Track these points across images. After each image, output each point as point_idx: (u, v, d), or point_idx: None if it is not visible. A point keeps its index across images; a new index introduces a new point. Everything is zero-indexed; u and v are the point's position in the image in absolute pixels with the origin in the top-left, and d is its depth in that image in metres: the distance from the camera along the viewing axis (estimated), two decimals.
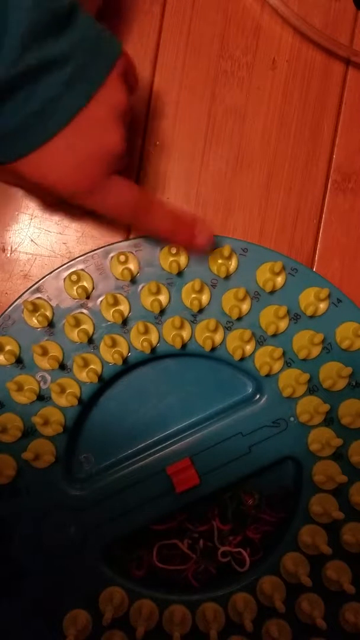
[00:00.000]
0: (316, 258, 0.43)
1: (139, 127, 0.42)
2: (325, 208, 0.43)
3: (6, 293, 0.42)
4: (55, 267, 0.40)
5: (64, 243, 0.42)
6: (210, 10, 0.42)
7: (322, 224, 0.43)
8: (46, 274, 0.39)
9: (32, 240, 0.42)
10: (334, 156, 0.43)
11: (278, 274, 0.39)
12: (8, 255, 0.42)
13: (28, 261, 0.42)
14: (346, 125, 0.43)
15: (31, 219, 0.42)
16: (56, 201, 0.41)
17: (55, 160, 0.31)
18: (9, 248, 0.42)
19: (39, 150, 0.30)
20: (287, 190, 0.43)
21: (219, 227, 0.43)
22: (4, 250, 0.42)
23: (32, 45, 0.27)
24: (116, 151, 0.32)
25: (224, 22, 0.42)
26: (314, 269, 0.43)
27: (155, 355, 0.40)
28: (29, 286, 0.40)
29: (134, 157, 0.42)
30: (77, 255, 0.41)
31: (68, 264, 0.39)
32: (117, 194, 0.34)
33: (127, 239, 0.42)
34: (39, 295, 0.39)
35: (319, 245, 0.43)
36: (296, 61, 0.43)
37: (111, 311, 0.39)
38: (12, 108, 0.29)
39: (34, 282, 0.40)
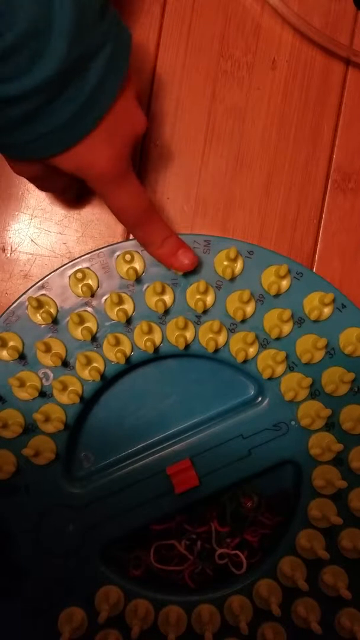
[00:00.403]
0: (316, 258, 0.43)
1: None
2: (325, 208, 0.43)
3: (6, 293, 0.42)
4: (56, 266, 0.40)
5: (64, 243, 0.42)
6: (210, 10, 0.42)
7: (322, 224, 0.43)
8: (51, 271, 0.39)
9: (32, 240, 0.42)
10: (334, 156, 0.43)
11: (283, 277, 0.39)
12: (8, 255, 0.42)
13: (28, 261, 0.42)
14: (346, 125, 0.43)
15: (31, 219, 0.42)
16: (62, 193, 0.41)
17: (96, 147, 0.31)
18: (9, 248, 0.42)
19: (83, 141, 0.31)
20: (287, 190, 0.43)
21: (219, 227, 0.43)
22: (4, 250, 0.42)
23: (77, 40, 0.27)
24: (143, 130, 0.33)
25: (224, 22, 0.42)
26: (314, 269, 0.43)
27: (158, 355, 0.40)
28: (30, 285, 0.40)
29: (134, 157, 0.42)
30: (77, 255, 0.41)
31: (74, 261, 0.39)
32: (134, 193, 0.34)
33: (127, 239, 0.42)
34: (43, 292, 0.39)
35: (319, 245, 0.43)
36: (296, 61, 0.43)
37: (115, 310, 0.39)
38: (63, 103, 0.29)
39: (36, 281, 0.39)
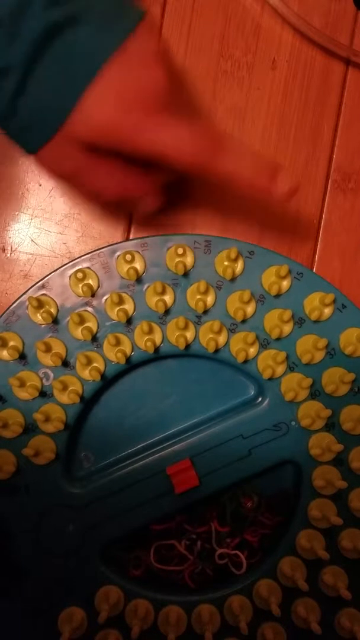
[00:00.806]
0: (316, 258, 0.43)
1: None
2: (325, 208, 0.43)
3: (6, 293, 0.42)
4: (56, 266, 0.40)
5: (64, 243, 0.42)
6: (210, 10, 0.42)
7: (322, 224, 0.43)
8: (52, 271, 0.39)
9: (32, 240, 0.42)
10: (334, 156, 0.43)
11: (284, 277, 0.39)
12: (8, 255, 0.42)
13: (28, 261, 0.42)
14: (346, 125, 0.43)
15: (31, 219, 0.42)
16: (96, 196, 0.39)
17: (100, 100, 0.31)
18: (9, 248, 0.42)
19: (85, 96, 0.30)
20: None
21: (219, 227, 0.43)
22: (4, 250, 0.42)
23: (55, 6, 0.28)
24: (159, 86, 0.32)
25: (224, 22, 0.42)
26: (314, 269, 0.43)
27: (158, 355, 0.40)
28: (30, 285, 0.40)
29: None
30: (77, 255, 0.41)
31: (74, 261, 0.39)
32: (173, 131, 0.32)
33: (127, 239, 0.42)
34: (44, 292, 0.39)
35: (319, 245, 0.43)
36: (296, 61, 0.43)
37: (116, 310, 0.39)
38: (54, 57, 0.29)
39: (36, 281, 0.39)
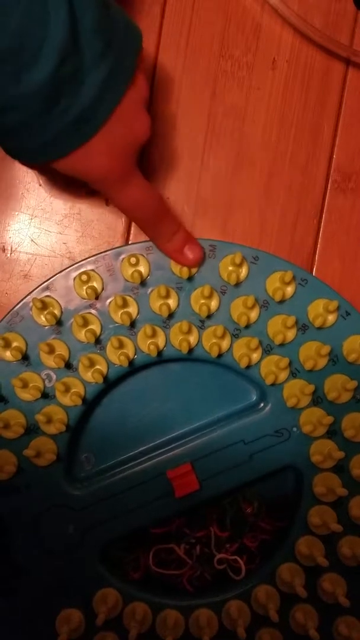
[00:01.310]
0: (316, 258, 0.43)
1: None
2: (325, 208, 0.43)
3: (6, 293, 0.42)
4: (57, 266, 0.40)
5: (64, 243, 0.42)
6: (210, 10, 0.42)
7: (322, 224, 0.43)
8: (56, 272, 0.39)
9: (32, 240, 0.42)
10: (334, 156, 0.43)
11: (288, 283, 0.39)
12: (8, 255, 0.42)
13: (28, 261, 0.42)
14: (346, 125, 0.43)
15: (31, 219, 0.42)
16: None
17: (93, 155, 0.32)
18: (9, 248, 0.42)
19: (80, 149, 0.31)
20: (287, 190, 0.43)
21: (219, 227, 0.43)
22: (4, 250, 0.42)
23: (68, 57, 0.28)
24: (146, 137, 0.34)
25: (224, 22, 0.42)
26: (314, 269, 0.43)
27: (161, 359, 0.40)
28: (29, 285, 0.40)
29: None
30: (77, 255, 0.41)
31: (79, 263, 0.39)
32: (141, 191, 0.35)
33: (127, 239, 0.42)
34: (48, 293, 0.39)
35: (319, 245, 0.43)
36: (296, 61, 0.43)
37: (119, 313, 0.39)
38: (58, 114, 0.29)
39: (39, 282, 0.39)
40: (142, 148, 0.34)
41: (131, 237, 0.43)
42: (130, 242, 0.43)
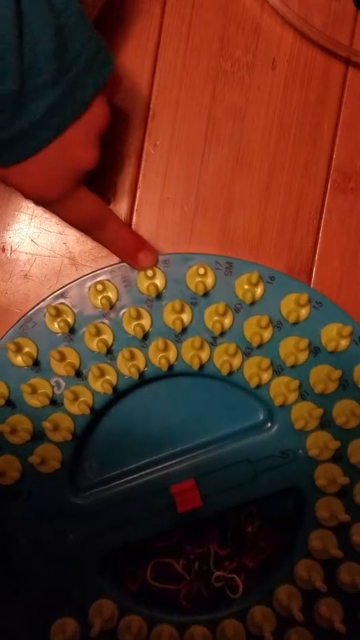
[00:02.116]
0: (316, 258, 0.43)
1: (139, 127, 0.42)
2: (325, 208, 0.43)
3: (6, 293, 0.42)
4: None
5: (64, 243, 0.42)
6: (210, 10, 0.42)
7: (322, 224, 0.43)
8: (71, 280, 0.39)
9: (32, 240, 0.42)
10: (334, 156, 0.43)
11: (303, 305, 0.39)
12: (8, 255, 0.42)
13: (28, 261, 0.42)
14: (346, 125, 0.43)
15: (31, 219, 0.42)
16: None
17: (28, 174, 0.32)
18: (9, 248, 0.42)
19: (19, 163, 0.32)
20: (287, 190, 0.43)
21: (219, 227, 0.43)
22: (4, 250, 0.42)
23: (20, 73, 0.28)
24: (89, 168, 0.34)
25: (224, 22, 0.42)
26: (314, 269, 0.43)
27: (171, 373, 0.40)
28: (29, 285, 0.40)
29: (134, 157, 0.42)
30: (77, 254, 0.41)
31: (94, 272, 0.39)
32: (82, 206, 0.36)
33: None
34: (62, 300, 0.39)
35: (319, 245, 0.43)
36: (296, 61, 0.43)
37: (133, 324, 0.39)
38: (2, 123, 0.29)
39: (41, 282, 0.40)
40: (86, 174, 0.34)
41: None
42: None
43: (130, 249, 0.39)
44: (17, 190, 0.34)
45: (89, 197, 0.36)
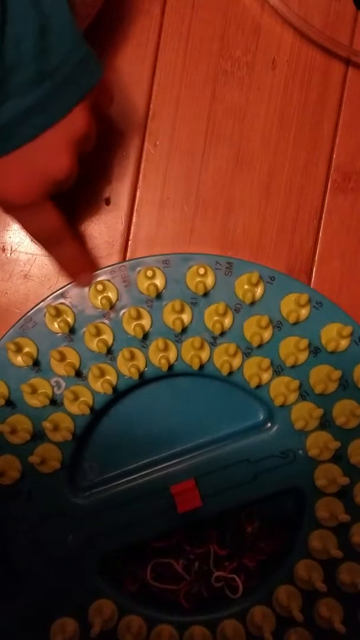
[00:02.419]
0: (316, 258, 0.43)
1: (139, 127, 0.42)
2: (325, 208, 0.43)
3: (6, 293, 0.42)
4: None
5: None
6: (210, 10, 0.42)
7: (322, 224, 0.43)
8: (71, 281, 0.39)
9: (32, 240, 0.42)
10: (334, 156, 0.43)
11: (303, 306, 0.39)
12: (8, 255, 0.42)
13: (28, 261, 0.42)
14: (346, 125, 0.43)
15: None
16: None
17: (4, 172, 0.32)
18: (9, 248, 0.42)
19: (9, 155, 0.31)
20: (287, 190, 0.43)
21: (219, 227, 0.43)
22: (4, 250, 0.42)
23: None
24: (61, 177, 0.33)
25: (224, 22, 0.42)
26: (314, 269, 0.43)
27: (171, 373, 0.40)
28: (29, 285, 0.40)
29: (134, 157, 0.42)
30: None
31: (94, 273, 0.39)
32: (42, 219, 0.36)
33: (127, 239, 0.42)
34: (62, 300, 0.39)
35: (319, 245, 0.43)
36: (296, 61, 0.43)
37: (133, 324, 0.39)
38: None
39: (41, 282, 0.40)
40: (57, 186, 0.34)
41: (131, 237, 0.43)
42: (129, 240, 0.42)
43: (76, 269, 0.39)
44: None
45: (54, 211, 0.35)
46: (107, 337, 0.39)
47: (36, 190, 0.33)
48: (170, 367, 0.39)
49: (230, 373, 0.39)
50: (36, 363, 0.39)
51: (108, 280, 0.39)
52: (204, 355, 0.39)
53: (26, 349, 0.39)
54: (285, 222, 0.43)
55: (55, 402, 0.39)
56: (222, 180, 0.43)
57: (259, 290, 0.39)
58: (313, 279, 0.43)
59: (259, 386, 0.39)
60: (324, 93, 0.43)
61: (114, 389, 0.39)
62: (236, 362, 0.39)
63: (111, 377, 0.39)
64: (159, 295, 0.39)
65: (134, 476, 0.40)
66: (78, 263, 0.39)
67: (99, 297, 0.39)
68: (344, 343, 0.39)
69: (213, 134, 0.43)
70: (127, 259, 0.42)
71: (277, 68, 0.43)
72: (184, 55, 0.42)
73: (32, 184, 0.33)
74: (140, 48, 0.42)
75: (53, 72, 0.30)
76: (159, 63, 0.42)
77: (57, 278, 0.42)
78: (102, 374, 0.39)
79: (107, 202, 0.42)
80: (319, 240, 0.43)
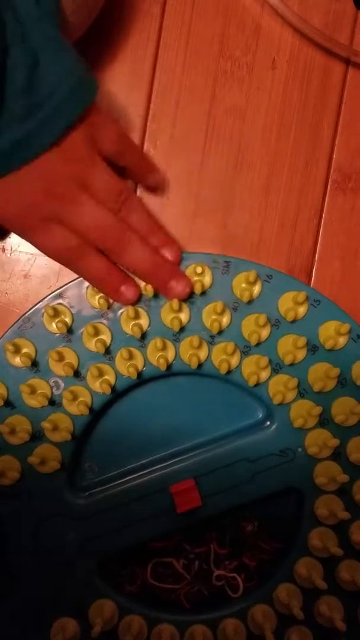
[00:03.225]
0: (316, 258, 0.43)
1: (139, 127, 0.42)
2: (325, 208, 0.43)
3: (6, 293, 0.42)
4: (56, 267, 0.41)
5: None
6: (210, 10, 0.42)
7: (322, 224, 0.43)
8: (69, 281, 0.39)
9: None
10: (334, 156, 0.43)
11: (301, 304, 0.39)
12: (8, 255, 0.42)
13: (28, 261, 0.42)
14: (346, 125, 0.43)
15: None
16: None
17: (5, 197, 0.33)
18: (9, 248, 0.42)
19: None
20: (287, 190, 0.43)
21: (219, 227, 0.43)
22: (4, 250, 0.42)
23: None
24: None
25: (224, 22, 0.42)
26: (314, 269, 0.43)
27: (169, 372, 0.40)
28: (29, 285, 0.40)
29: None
30: None
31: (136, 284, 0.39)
32: (52, 241, 0.36)
33: None
34: (60, 301, 0.39)
35: (319, 245, 0.43)
36: (296, 61, 0.43)
37: (131, 324, 0.39)
38: None
39: (40, 282, 0.40)
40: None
41: None
42: None
43: (114, 283, 0.38)
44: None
45: (60, 234, 0.36)
46: (106, 337, 0.39)
47: (35, 216, 0.34)
48: (169, 366, 0.39)
49: (229, 372, 0.39)
50: (35, 363, 0.39)
51: None
52: (202, 354, 0.39)
53: (24, 350, 0.39)
54: (285, 222, 0.43)
55: (54, 403, 0.39)
56: (222, 180, 0.43)
57: (256, 289, 0.39)
58: (313, 278, 0.43)
59: (257, 384, 0.39)
60: (324, 93, 0.43)
61: (113, 388, 0.39)
62: (234, 360, 0.39)
63: (110, 377, 0.39)
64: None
65: (133, 476, 0.40)
66: (112, 276, 0.38)
67: (97, 297, 0.39)
68: (342, 340, 0.39)
69: (213, 134, 0.43)
70: None
71: (277, 68, 0.43)
72: (184, 55, 0.42)
73: (31, 210, 0.34)
74: (140, 48, 0.42)
75: (41, 105, 0.31)
76: (159, 63, 0.42)
77: (57, 278, 0.42)
78: (101, 374, 0.39)
79: None
80: (319, 240, 0.43)
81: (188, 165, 0.43)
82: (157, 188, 0.42)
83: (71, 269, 0.38)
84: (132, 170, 0.39)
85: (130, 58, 0.42)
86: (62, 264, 0.38)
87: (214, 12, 0.42)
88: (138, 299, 0.38)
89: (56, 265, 0.42)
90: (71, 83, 0.32)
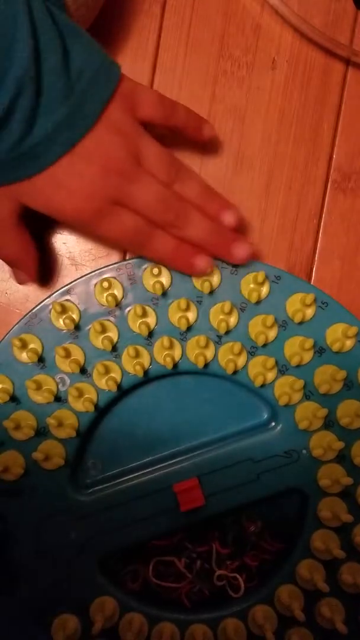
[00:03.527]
0: (316, 258, 0.43)
1: None
2: (325, 208, 0.43)
3: (6, 293, 0.42)
4: (56, 267, 0.41)
5: (64, 243, 0.42)
6: (210, 10, 0.42)
7: (322, 224, 0.43)
8: (77, 277, 0.39)
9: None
10: (334, 156, 0.43)
11: (309, 305, 0.39)
12: None
13: None
14: (346, 125, 0.43)
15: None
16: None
17: (39, 192, 0.33)
18: None
19: (42, 174, 0.32)
20: (287, 190, 0.43)
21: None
22: None
23: (29, 88, 0.29)
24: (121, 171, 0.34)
25: (224, 22, 0.42)
26: (314, 269, 0.43)
27: (175, 371, 0.40)
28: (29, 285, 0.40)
29: None
30: (77, 254, 0.41)
31: (100, 270, 0.39)
32: (120, 226, 0.35)
33: None
34: (68, 297, 0.39)
35: (319, 245, 0.43)
36: (296, 61, 0.43)
37: (138, 322, 0.39)
38: (11, 135, 0.30)
39: (62, 286, 0.39)
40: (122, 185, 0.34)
41: None
42: None
43: (185, 256, 0.37)
44: (52, 213, 0.34)
45: (125, 214, 0.35)
46: (112, 334, 0.39)
47: (96, 200, 0.34)
48: (175, 365, 0.39)
49: (235, 372, 0.39)
50: (41, 359, 0.39)
51: (114, 278, 0.39)
52: (209, 353, 0.39)
53: (31, 345, 0.39)
54: (285, 222, 0.43)
55: (59, 399, 0.39)
56: (222, 180, 0.43)
57: (264, 290, 0.39)
58: (313, 278, 0.43)
59: (263, 385, 0.39)
60: (324, 93, 0.43)
61: (119, 386, 0.39)
62: (241, 361, 0.39)
63: (116, 375, 0.39)
64: (164, 293, 0.39)
65: (137, 474, 0.40)
66: (183, 250, 0.37)
67: (105, 295, 0.39)
68: (349, 343, 0.39)
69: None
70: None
71: (277, 68, 0.43)
72: (184, 55, 0.42)
73: (93, 191, 0.34)
74: (140, 48, 0.42)
75: (74, 86, 0.31)
76: (159, 63, 0.42)
77: (57, 278, 0.42)
78: (107, 371, 0.39)
79: None
80: (319, 240, 0.43)
81: (188, 165, 0.42)
82: (211, 142, 0.41)
83: (141, 253, 0.38)
84: (183, 128, 0.38)
85: (130, 58, 0.42)
86: (131, 250, 0.38)
87: (214, 12, 0.42)
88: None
89: (56, 265, 0.42)
90: (99, 60, 0.32)
